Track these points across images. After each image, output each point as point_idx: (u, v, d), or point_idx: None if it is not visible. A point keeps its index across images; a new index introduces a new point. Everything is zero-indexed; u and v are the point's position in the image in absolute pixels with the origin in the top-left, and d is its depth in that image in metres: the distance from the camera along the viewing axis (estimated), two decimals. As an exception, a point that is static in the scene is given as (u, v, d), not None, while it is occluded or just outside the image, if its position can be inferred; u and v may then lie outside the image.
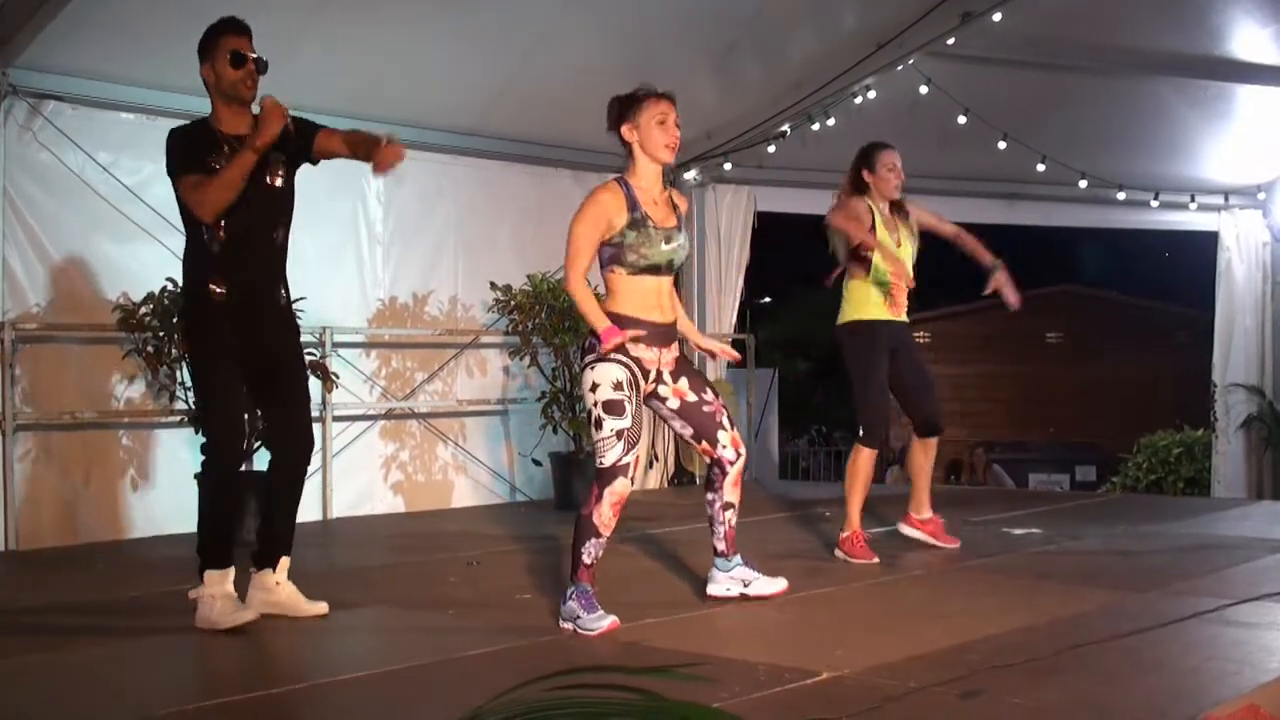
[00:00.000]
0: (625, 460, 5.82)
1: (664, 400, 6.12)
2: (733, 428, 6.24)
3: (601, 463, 5.85)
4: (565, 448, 11.17)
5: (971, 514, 9.83)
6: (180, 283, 6.22)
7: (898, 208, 7.97)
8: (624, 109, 6.14)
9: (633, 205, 5.97)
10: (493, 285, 10.84)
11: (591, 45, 10.52)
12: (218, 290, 6.01)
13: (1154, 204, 14.04)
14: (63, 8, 8.02)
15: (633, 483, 5.93)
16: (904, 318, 7.94)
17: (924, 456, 8.21)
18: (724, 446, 6.18)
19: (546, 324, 10.60)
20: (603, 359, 5.85)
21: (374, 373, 10.83)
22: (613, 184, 6.08)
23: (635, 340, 5.90)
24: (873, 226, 7.73)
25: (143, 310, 8.68)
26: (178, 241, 9.21)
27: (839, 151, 11.60)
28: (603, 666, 2.03)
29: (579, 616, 5.80)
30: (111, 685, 5.18)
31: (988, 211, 14.52)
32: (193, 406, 6.27)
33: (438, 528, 9.89)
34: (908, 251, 7.89)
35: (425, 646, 5.71)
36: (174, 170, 6.03)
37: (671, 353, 6.10)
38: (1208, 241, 14.95)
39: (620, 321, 5.90)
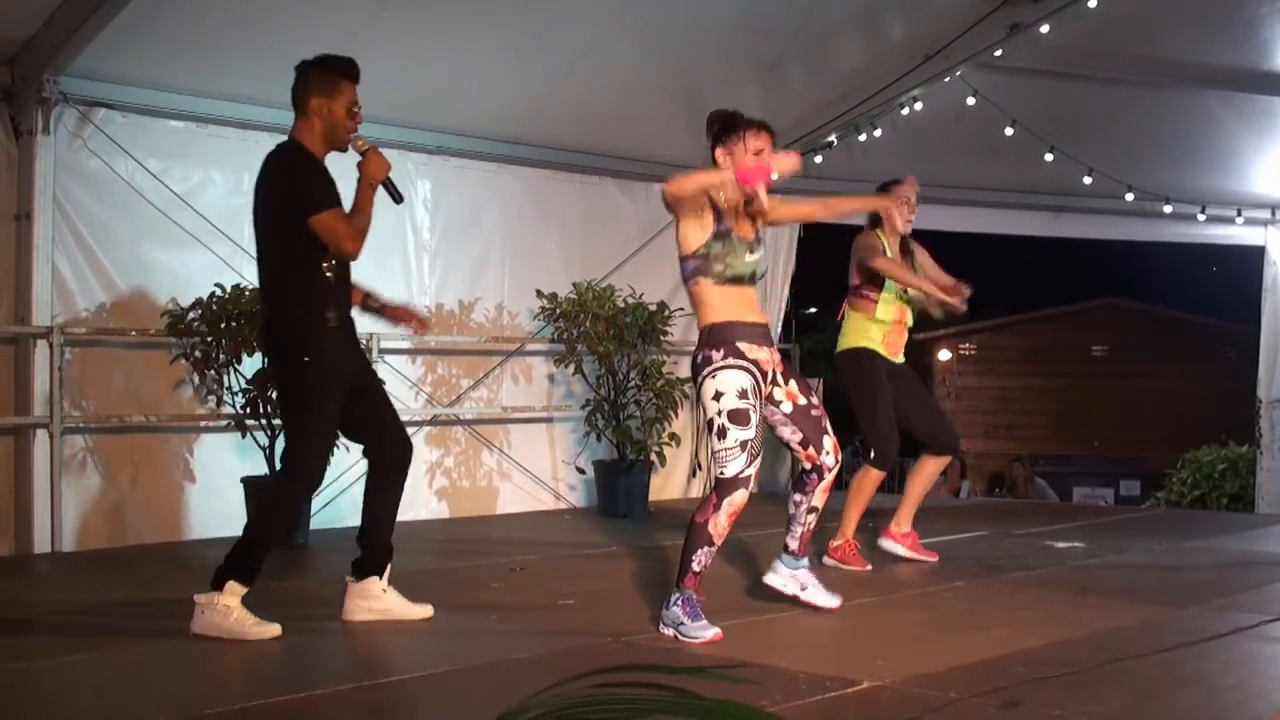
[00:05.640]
0: (748, 472, 5.79)
1: (779, 404, 6.10)
2: (832, 433, 6.22)
3: (723, 473, 5.82)
4: (609, 455, 11.20)
5: (1014, 527, 9.84)
6: (284, 305, 6.07)
7: (905, 248, 8.09)
8: (723, 132, 6.06)
9: (718, 218, 5.94)
10: (539, 293, 10.87)
11: (638, 56, 10.55)
12: (332, 317, 6.09)
13: (1201, 217, 13.95)
14: (113, 17, 8.08)
15: (750, 494, 5.90)
16: (899, 359, 8.07)
17: (932, 472, 8.33)
18: (826, 453, 6.17)
19: (592, 332, 10.63)
20: (725, 366, 5.84)
21: (420, 379, 10.88)
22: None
23: (748, 341, 5.90)
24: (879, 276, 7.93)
25: (191, 315, 8.76)
26: (225, 248, 9.40)
27: (886, 162, 11.66)
28: (644, 666, 2.06)
29: (682, 623, 5.78)
30: (157, 685, 5.23)
31: (1034, 223, 14.49)
32: (287, 432, 6.22)
33: (482, 534, 9.92)
34: (911, 300, 8.04)
35: (469, 651, 5.75)
36: (316, 203, 5.96)
37: (776, 354, 6.10)
38: (1254, 255, 14.87)
39: (726, 328, 5.89)
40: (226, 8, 8.60)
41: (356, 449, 9.96)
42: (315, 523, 9.30)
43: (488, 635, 6.10)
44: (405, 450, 6.42)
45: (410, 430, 10.55)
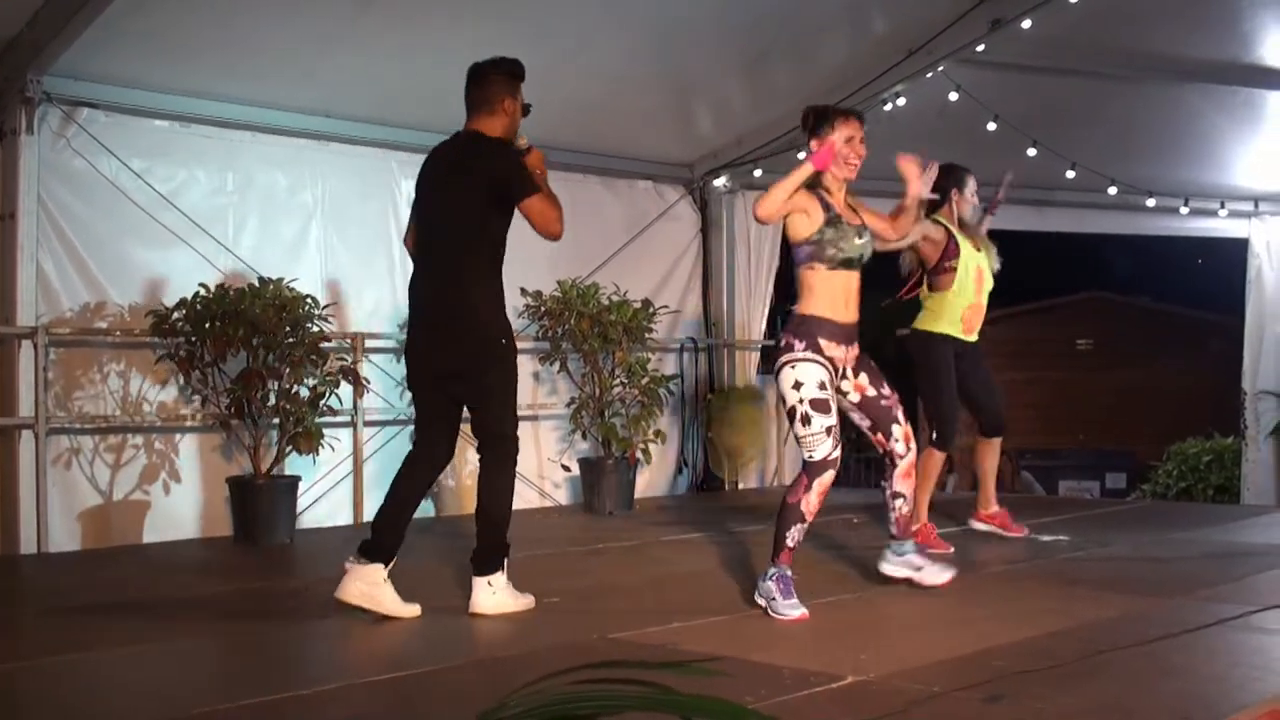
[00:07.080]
0: (834, 455, 6.16)
1: (845, 394, 6.42)
2: (905, 423, 6.50)
3: (812, 456, 6.17)
4: (594, 453, 11.20)
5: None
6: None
7: (968, 231, 8.38)
8: (817, 123, 6.42)
9: (826, 206, 6.27)
10: (523, 291, 10.86)
11: (624, 52, 10.53)
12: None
13: (1184, 210, 14.01)
14: (96, 16, 8.06)
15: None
16: (974, 337, 8.22)
17: (990, 455, 8.70)
18: (895, 440, 6.48)
19: (576, 330, 10.64)
20: (804, 359, 6.17)
21: (405, 378, 10.84)
22: (805, 190, 6.29)
23: (830, 339, 6.20)
24: (952, 245, 8.17)
25: (175, 315, 8.75)
26: (209, 247, 9.43)
27: (869, 158, 11.63)
28: (624, 662, 2.07)
29: (774, 598, 6.13)
30: (143, 684, 5.23)
31: (1017, 218, 14.47)
32: (496, 417, 6.77)
33: (468, 531, 9.88)
34: (987, 259, 8.33)
35: (455, 648, 5.78)
36: (530, 187, 6.44)
37: (854, 351, 6.38)
38: (1238, 248, 14.91)
39: (816, 323, 6.21)
40: (209, 7, 8.58)
41: (344, 449, 10.04)
42: (300, 523, 9.31)
43: (473, 633, 6.12)
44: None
45: (396, 430, 10.65)
